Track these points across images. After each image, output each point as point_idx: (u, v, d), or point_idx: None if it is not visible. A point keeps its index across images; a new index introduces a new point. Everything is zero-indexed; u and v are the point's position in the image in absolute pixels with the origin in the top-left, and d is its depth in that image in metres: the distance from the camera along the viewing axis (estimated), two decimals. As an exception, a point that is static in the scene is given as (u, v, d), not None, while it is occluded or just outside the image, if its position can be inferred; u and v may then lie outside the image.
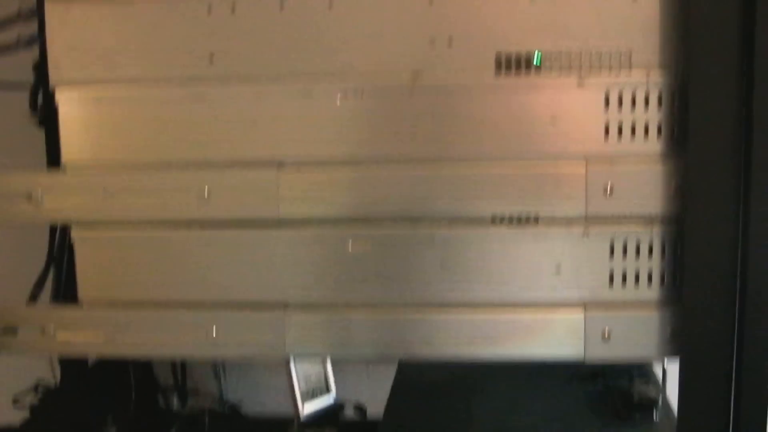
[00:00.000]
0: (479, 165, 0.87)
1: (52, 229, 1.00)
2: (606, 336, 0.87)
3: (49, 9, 0.90)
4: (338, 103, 0.87)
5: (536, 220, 0.87)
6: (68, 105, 0.90)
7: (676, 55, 0.84)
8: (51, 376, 1.08)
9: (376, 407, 1.08)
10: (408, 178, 0.87)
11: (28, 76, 0.97)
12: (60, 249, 0.98)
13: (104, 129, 0.90)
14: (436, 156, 0.87)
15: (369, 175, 0.87)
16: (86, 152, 0.91)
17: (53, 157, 0.96)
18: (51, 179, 0.92)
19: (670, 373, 0.97)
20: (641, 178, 0.86)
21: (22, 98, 0.98)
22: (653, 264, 0.87)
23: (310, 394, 1.07)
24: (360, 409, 1.20)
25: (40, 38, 0.92)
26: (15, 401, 1.04)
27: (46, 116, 0.95)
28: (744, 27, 0.80)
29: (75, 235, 0.93)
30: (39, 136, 0.99)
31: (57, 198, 0.91)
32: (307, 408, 1.07)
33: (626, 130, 0.85)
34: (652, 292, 0.87)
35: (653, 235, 0.86)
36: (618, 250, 0.87)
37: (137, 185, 0.90)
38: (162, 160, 0.90)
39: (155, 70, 0.89)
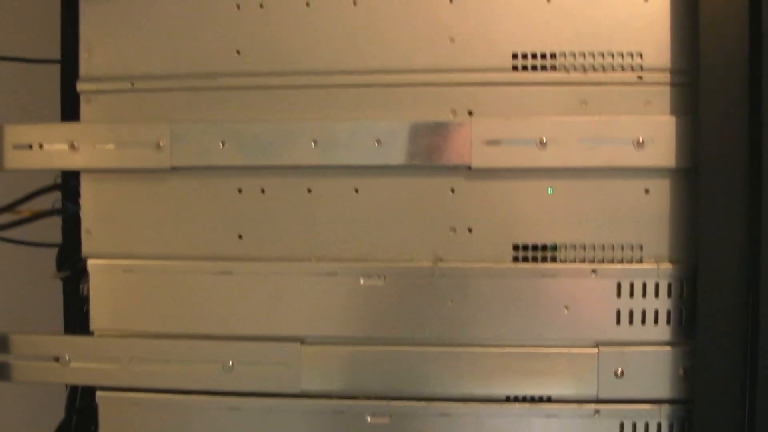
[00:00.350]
0: (495, 347, 0.90)
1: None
2: None
3: (84, 182, 0.94)
4: (362, 282, 0.90)
5: (549, 399, 0.90)
6: (99, 274, 0.94)
7: (685, 249, 0.88)
8: None
9: None
10: (426, 357, 0.90)
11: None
12: (77, 407, 1.00)
13: (133, 299, 0.93)
14: (454, 337, 0.90)
15: (389, 353, 0.91)
16: (115, 320, 0.94)
17: (71, 313, 0.99)
18: (79, 344, 0.95)
19: None
20: (650, 363, 0.89)
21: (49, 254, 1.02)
22: (661, 445, 0.90)
23: None
24: None
25: (62, 208, 0.96)
26: None
27: (69, 278, 0.98)
28: (749, 230, 0.84)
29: (99, 395, 0.95)
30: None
31: (84, 362, 0.94)
32: None
33: (637, 317, 0.89)
34: (659, 470, 0.91)
35: (661, 417, 0.90)
36: (627, 429, 0.90)
37: (163, 355, 0.93)
38: (188, 331, 0.93)
39: (186, 247, 0.92)
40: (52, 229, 1.02)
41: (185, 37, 0.92)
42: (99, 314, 0.94)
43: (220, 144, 0.90)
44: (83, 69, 0.94)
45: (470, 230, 0.90)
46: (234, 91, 0.91)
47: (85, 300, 0.97)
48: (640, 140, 0.86)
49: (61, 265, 1.00)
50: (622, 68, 0.88)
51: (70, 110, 0.96)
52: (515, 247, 0.90)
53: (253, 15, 0.91)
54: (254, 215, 0.92)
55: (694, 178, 0.86)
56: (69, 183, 0.96)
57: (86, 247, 0.94)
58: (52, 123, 0.94)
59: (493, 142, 0.87)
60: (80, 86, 0.94)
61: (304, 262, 0.91)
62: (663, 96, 0.88)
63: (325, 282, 0.91)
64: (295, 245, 0.91)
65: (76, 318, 0.99)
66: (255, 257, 0.92)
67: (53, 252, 1.02)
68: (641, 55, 0.88)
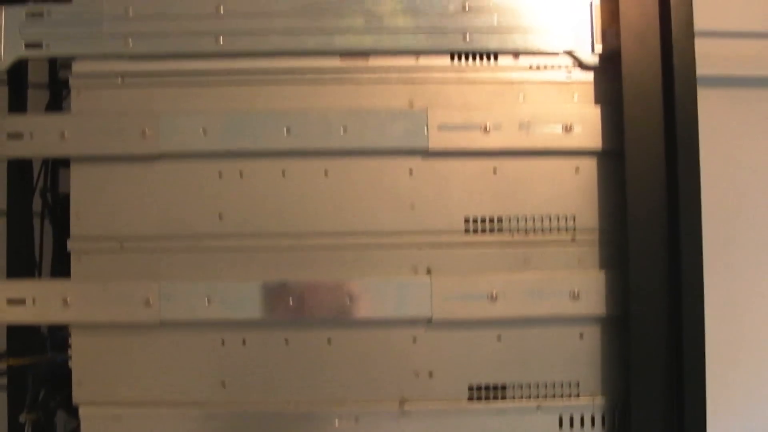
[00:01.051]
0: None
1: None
2: None
3: (75, 335, 1.01)
4: (336, 425, 1.00)
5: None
6: (89, 420, 1.01)
7: (615, 384, 1.02)
8: None
9: None
10: (394, 488, 1.01)
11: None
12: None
13: (122, 443, 1.01)
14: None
15: (360, 485, 1.01)
16: (104, 463, 1.01)
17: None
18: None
19: None
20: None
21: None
22: None
23: None
24: None
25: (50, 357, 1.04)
26: None
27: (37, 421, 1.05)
28: (672, 369, 0.99)
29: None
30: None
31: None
32: None
33: (579, 449, 1.02)
34: None
35: None
36: None
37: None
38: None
39: (172, 395, 1.01)
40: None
41: (171, 202, 1.02)
42: (90, 459, 1.01)
43: (206, 301, 0.99)
44: (74, 229, 1.02)
45: (431, 374, 1.01)
46: (216, 251, 1.01)
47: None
48: (576, 292, 1.00)
49: (31, 407, 1.06)
50: (558, 230, 1.02)
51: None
52: (470, 388, 1.02)
53: (233, 182, 1.02)
54: (236, 364, 1.01)
55: (620, 323, 1.00)
56: (56, 334, 1.04)
57: (77, 396, 1.01)
58: (45, 279, 1.01)
59: (451, 297, 1.00)
60: (71, 245, 1.02)
61: (283, 406, 1.01)
62: (593, 253, 1.02)
63: (303, 424, 1.00)
64: (275, 391, 1.01)
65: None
66: (237, 402, 1.01)
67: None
68: (574, 218, 1.02)
